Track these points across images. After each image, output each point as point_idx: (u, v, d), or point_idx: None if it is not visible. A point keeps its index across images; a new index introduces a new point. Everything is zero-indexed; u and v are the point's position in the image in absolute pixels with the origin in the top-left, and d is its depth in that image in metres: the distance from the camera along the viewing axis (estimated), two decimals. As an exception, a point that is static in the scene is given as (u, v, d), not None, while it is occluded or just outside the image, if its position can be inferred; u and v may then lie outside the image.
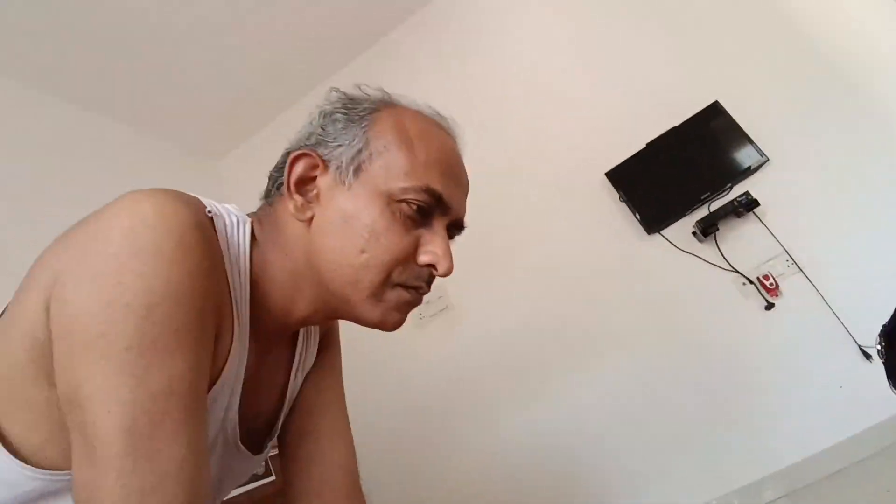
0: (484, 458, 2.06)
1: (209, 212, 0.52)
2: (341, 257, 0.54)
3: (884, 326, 0.95)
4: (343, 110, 0.58)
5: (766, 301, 1.81)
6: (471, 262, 2.18)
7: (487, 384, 2.12)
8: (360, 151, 0.55)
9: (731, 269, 1.88)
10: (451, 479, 2.09)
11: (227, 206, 0.57)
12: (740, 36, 2.01)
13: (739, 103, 1.95)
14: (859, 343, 1.70)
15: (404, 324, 2.11)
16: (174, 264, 0.43)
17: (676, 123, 2.00)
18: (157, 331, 0.41)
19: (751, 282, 1.84)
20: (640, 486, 1.86)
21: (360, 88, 0.61)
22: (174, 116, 2.45)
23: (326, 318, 0.61)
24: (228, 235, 0.54)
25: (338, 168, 0.56)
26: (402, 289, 0.56)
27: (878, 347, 0.97)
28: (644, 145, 2.03)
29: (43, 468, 0.46)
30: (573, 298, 2.07)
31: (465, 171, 0.62)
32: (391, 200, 0.54)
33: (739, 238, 1.89)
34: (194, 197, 0.51)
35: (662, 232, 1.99)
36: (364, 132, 0.56)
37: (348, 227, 0.54)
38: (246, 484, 1.89)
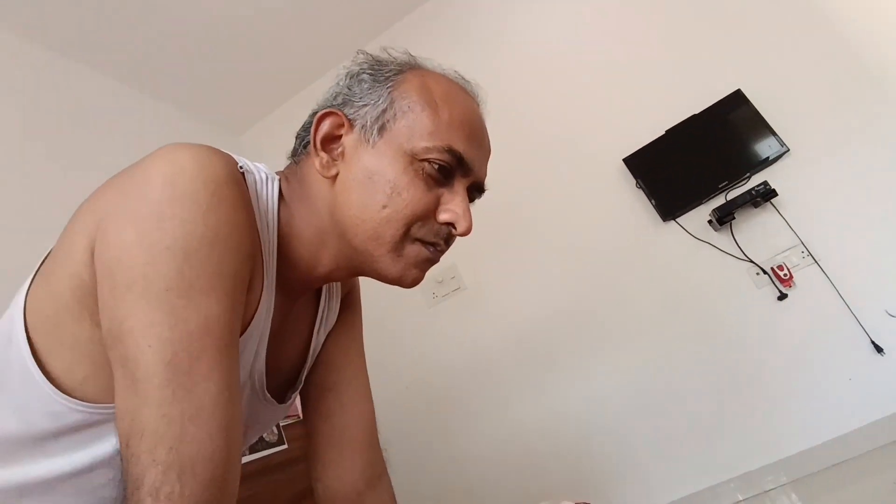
0: (495, 437, 2.10)
1: (241, 167, 0.54)
2: (364, 212, 0.56)
3: None
4: (369, 71, 0.60)
5: (780, 291, 1.81)
6: (484, 244, 2.21)
7: (499, 365, 2.15)
8: (384, 111, 0.57)
9: (745, 258, 1.88)
10: (462, 456, 2.14)
11: (256, 164, 0.60)
12: (766, 24, 1.98)
13: (763, 92, 1.93)
14: (871, 337, 1.70)
15: (417, 304, 2.15)
16: (211, 211, 0.46)
17: (697, 111, 1.99)
18: (195, 273, 0.44)
19: (765, 272, 1.84)
20: (647, 469, 1.89)
21: (386, 51, 0.63)
22: (197, 90, 2.48)
23: (349, 275, 0.63)
24: (258, 191, 0.57)
25: (363, 127, 0.58)
26: (421, 245, 0.57)
27: None
28: (664, 132, 2.02)
29: (84, 402, 0.49)
30: (586, 282, 2.09)
31: (487, 134, 0.64)
32: (414, 159, 0.56)
33: (755, 228, 1.89)
34: (227, 153, 0.54)
35: (678, 219, 1.99)
36: (389, 92, 0.58)
37: (371, 183, 0.56)
38: (259, 451, 1.96)
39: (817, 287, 1.79)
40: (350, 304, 0.79)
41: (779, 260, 1.84)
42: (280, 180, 0.61)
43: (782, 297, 1.81)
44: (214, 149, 0.51)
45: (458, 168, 0.58)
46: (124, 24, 2.06)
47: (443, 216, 0.58)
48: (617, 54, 2.18)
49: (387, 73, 0.60)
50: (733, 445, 1.80)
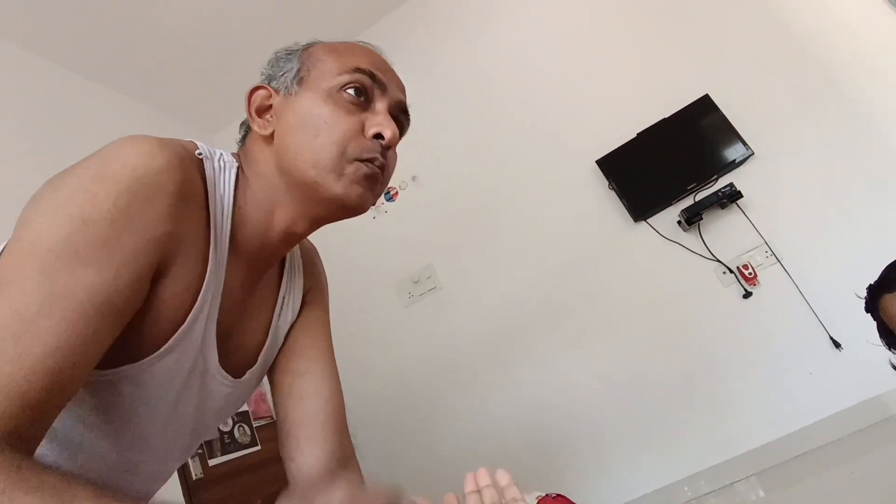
0: (471, 431, 2.13)
1: (199, 154, 0.60)
2: (301, 148, 0.62)
3: (871, 285, 1.05)
4: (284, 51, 0.70)
5: (745, 290, 1.88)
6: (460, 245, 2.24)
7: (474, 362, 2.18)
8: (299, 69, 0.66)
9: (712, 257, 1.94)
10: (437, 450, 2.15)
11: (221, 151, 0.65)
12: (733, 32, 2.06)
13: (729, 97, 2.00)
14: (830, 333, 1.77)
15: (394, 303, 2.15)
16: (127, 193, 0.49)
17: (667, 115, 2.05)
18: (83, 244, 0.46)
19: (731, 271, 1.91)
20: (618, 462, 1.94)
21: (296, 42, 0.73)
22: (173, 89, 2.45)
23: (308, 224, 0.67)
24: (215, 177, 0.61)
25: (286, 87, 0.66)
26: (359, 162, 0.63)
27: (865, 298, 1.06)
28: (635, 135, 2.08)
29: None
30: (560, 282, 2.13)
31: (393, 70, 0.71)
32: (332, 93, 0.63)
33: (722, 228, 1.95)
34: (190, 142, 0.59)
35: (648, 220, 2.04)
36: (299, 56, 0.68)
37: (302, 123, 0.63)
38: (232, 452, 1.94)
39: (780, 285, 1.86)
40: (317, 297, 0.84)
41: (744, 259, 1.90)
42: (239, 165, 0.66)
43: (747, 295, 1.88)
44: (171, 140, 0.55)
45: (373, 87, 0.65)
46: (99, 23, 2.02)
47: (370, 131, 0.64)
48: (590, 60, 2.23)
49: (297, 48, 0.70)
50: (701, 439, 1.86)
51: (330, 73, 0.64)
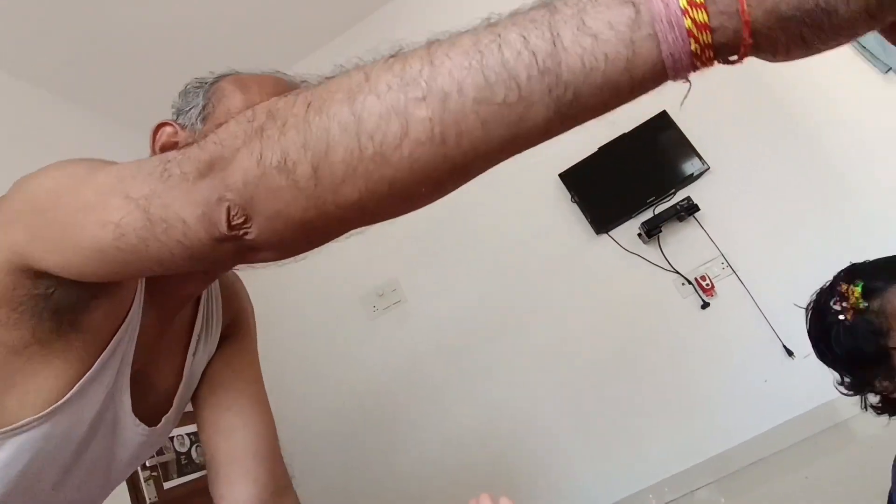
0: (436, 444, 2.11)
1: None
2: None
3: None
4: (194, 83, 0.68)
5: (703, 300, 1.93)
6: (425, 258, 2.23)
7: (439, 374, 2.16)
8: (205, 106, 0.65)
9: (671, 269, 1.99)
10: (400, 465, 2.12)
11: None
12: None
13: (685, 114, 2.06)
14: (784, 342, 1.84)
15: (358, 317, 2.10)
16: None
17: (627, 130, 2.10)
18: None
19: (689, 282, 1.96)
20: (582, 475, 1.95)
21: (210, 72, 0.70)
22: (126, 98, 2.37)
23: None
24: None
25: (191, 125, 0.64)
26: None
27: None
28: (596, 149, 2.12)
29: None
30: (524, 294, 2.14)
31: None
32: None
33: (680, 241, 2.01)
34: None
35: (610, 233, 2.08)
36: (206, 92, 0.66)
37: None
38: (189, 473, 1.87)
39: (736, 296, 1.92)
40: (239, 329, 0.81)
41: (701, 271, 1.96)
42: None
43: (705, 305, 1.93)
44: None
45: None
46: (75, 43, 1.97)
47: None
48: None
49: (206, 81, 0.68)
50: (663, 448, 1.88)
51: (234, 111, 0.60)
